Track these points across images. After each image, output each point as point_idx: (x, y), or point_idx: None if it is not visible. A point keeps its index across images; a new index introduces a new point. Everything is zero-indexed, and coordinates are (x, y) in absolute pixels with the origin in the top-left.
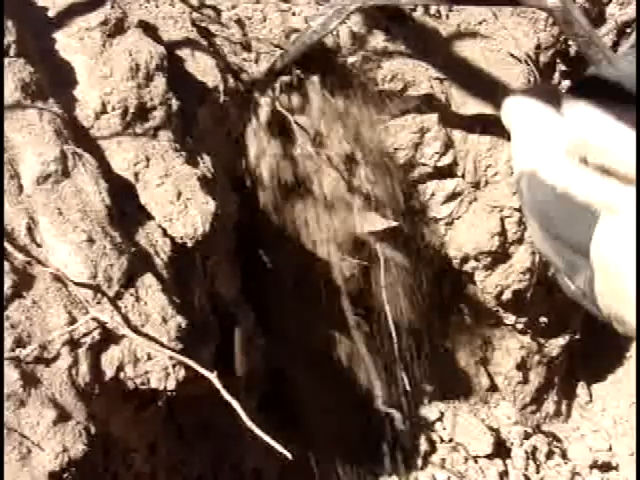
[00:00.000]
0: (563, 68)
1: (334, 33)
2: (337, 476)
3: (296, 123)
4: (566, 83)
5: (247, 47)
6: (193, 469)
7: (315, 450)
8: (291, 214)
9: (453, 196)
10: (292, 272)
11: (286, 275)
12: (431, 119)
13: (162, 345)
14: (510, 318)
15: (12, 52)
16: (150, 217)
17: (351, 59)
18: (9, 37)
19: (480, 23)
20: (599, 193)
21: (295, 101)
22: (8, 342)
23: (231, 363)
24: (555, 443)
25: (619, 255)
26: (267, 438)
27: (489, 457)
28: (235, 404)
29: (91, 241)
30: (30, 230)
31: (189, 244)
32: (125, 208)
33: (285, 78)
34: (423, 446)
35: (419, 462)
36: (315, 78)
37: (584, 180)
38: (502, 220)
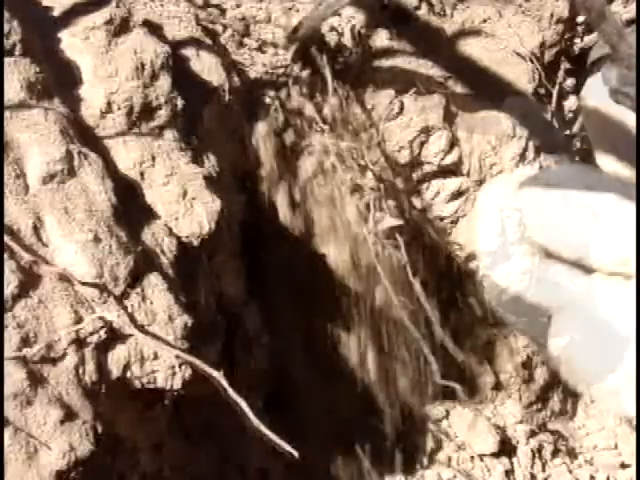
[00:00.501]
0: (567, 66)
1: (339, 31)
2: (340, 475)
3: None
4: (571, 81)
5: (251, 45)
6: (199, 468)
7: (318, 449)
8: (296, 212)
9: (458, 194)
10: (297, 271)
11: (291, 274)
12: (436, 117)
13: (168, 344)
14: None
15: (17, 52)
16: (156, 216)
17: (355, 58)
18: (14, 36)
19: (484, 21)
20: (550, 291)
21: (300, 99)
22: (15, 341)
23: (237, 361)
24: (561, 441)
25: (570, 353)
26: (274, 437)
27: (495, 455)
28: (242, 403)
29: (97, 240)
30: (36, 229)
31: (194, 243)
32: (131, 207)
33: (291, 76)
34: (429, 444)
35: (425, 460)
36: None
37: (537, 281)
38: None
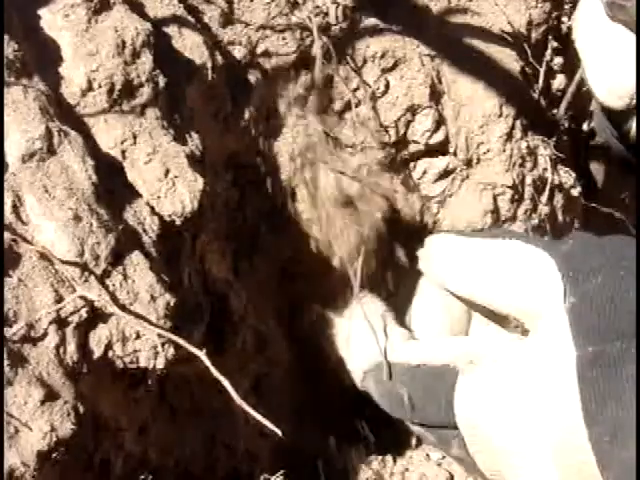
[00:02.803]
0: (555, 45)
1: (324, 10)
2: (331, 456)
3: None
4: (558, 60)
5: (235, 24)
6: (185, 450)
7: (306, 431)
8: (284, 193)
9: (445, 174)
10: (285, 251)
11: (279, 254)
12: (422, 96)
13: (150, 323)
14: None
15: None
16: (137, 195)
17: (340, 36)
18: None
19: (471, 0)
20: (456, 349)
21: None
22: None
23: (222, 343)
24: None
25: (481, 411)
26: (259, 416)
27: None
28: (225, 382)
29: (78, 219)
30: (15, 208)
31: (177, 222)
32: (112, 186)
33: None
34: None
35: (413, 442)
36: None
37: (437, 345)
38: (495, 198)
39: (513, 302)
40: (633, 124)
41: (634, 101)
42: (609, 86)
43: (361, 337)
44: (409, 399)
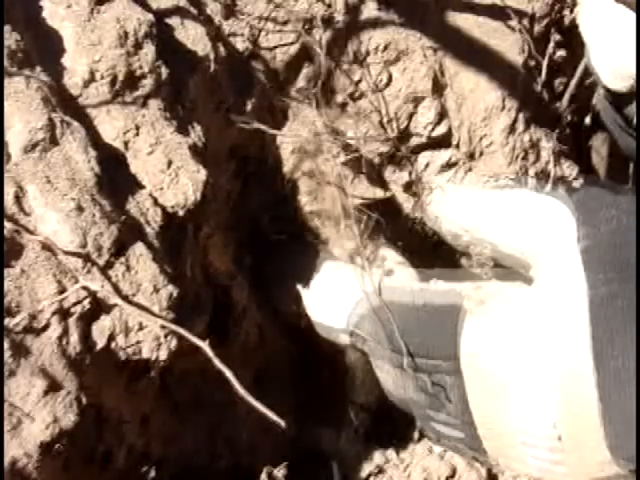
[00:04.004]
0: (557, 38)
1: (326, 2)
2: (331, 449)
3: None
4: (560, 53)
5: (237, 15)
6: (187, 443)
7: (308, 424)
8: (285, 186)
9: (448, 166)
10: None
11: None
12: (425, 89)
13: (153, 314)
14: None
15: None
16: (140, 186)
17: (343, 28)
18: None
19: None
20: (462, 291)
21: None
22: None
23: (224, 336)
24: None
25: (489, 348)
26: (261, 407)
27: None
28: (228, 373)
29: (80, 209)
30: (18, 199)
31: (180, 213)
32: (115, 177)
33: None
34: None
35: (416, 435)
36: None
37: (444, 286)
38: None
39: (526, 245)
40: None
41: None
42: (613, 68)
43: (352, 283)
44: (411, 342)
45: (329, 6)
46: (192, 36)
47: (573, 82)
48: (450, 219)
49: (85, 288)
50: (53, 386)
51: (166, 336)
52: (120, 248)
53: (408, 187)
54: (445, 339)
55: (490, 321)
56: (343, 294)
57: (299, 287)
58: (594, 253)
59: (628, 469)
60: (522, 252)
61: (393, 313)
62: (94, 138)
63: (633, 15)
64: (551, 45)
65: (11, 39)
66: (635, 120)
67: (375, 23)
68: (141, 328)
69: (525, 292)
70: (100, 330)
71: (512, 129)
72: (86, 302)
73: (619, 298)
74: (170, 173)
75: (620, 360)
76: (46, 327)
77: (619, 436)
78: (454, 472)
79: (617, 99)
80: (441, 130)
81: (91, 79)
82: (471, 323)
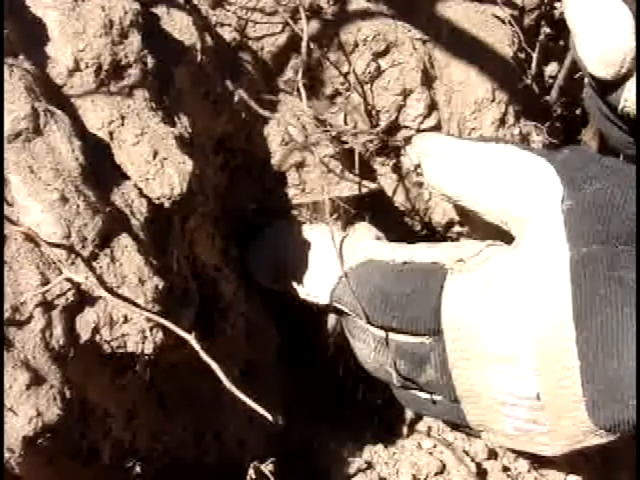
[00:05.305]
0: (547, 31)
1: None
2: (319, 444)
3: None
4: (551, 46)
5: (225, 5)
6: (174, 438)
7: (296, 419)
8: (275, 177)
9: None
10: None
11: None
12: (414, 81)
13: (138, 307)
14: None
15: None
16: (125, 177)
17: (331, 19)
18: None
19: None
20: (444, 250)
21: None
22: None
23: (211, 329)
24: None
25: (470, 309)
26: (249, 401)
27: None
28: (214, 365)
29: (64, 200)
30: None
31: (166, 204)
32: (99, 167)
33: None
34: (408, 414)
35: (405, 430)
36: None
37: (425, 245)
38: None
39: (508, 204)
40: (625, 95)
41: (623, 69)
42: (598, 54)
43: (334, 259)
44: (389, 300)
45: None
46: (179, 26)
47: (561, 74)
48: (444, 185)
49: (69, 280)
50: (36, 379)
51: (152, 329)
52: (105, 239)
53: (397, 179)
54: (426, 306)
55: (470, 280)
56: (325, 270)
57: (282, 265)
58: (577, 213)
59: (605, 429)
60: (506, 212)
61: (373, 282)
62: (78, 128)
63: (619, 1)
64: (541, 38)
65: None
66: (619, 108)
67: (364, 14)
68: (126, 321)
69: (506, 251)
70: (84, 323)
71: (502, 122)
72: (70, 294)
73: (601, 257)
74: (156, 164)
75: (599, 318)
76: (29, 319)
77: (598, 395)
78: (443, 467)
79: (602, 86)
80: (431, 122)
81: (75, 68)
82: (451, 282)
